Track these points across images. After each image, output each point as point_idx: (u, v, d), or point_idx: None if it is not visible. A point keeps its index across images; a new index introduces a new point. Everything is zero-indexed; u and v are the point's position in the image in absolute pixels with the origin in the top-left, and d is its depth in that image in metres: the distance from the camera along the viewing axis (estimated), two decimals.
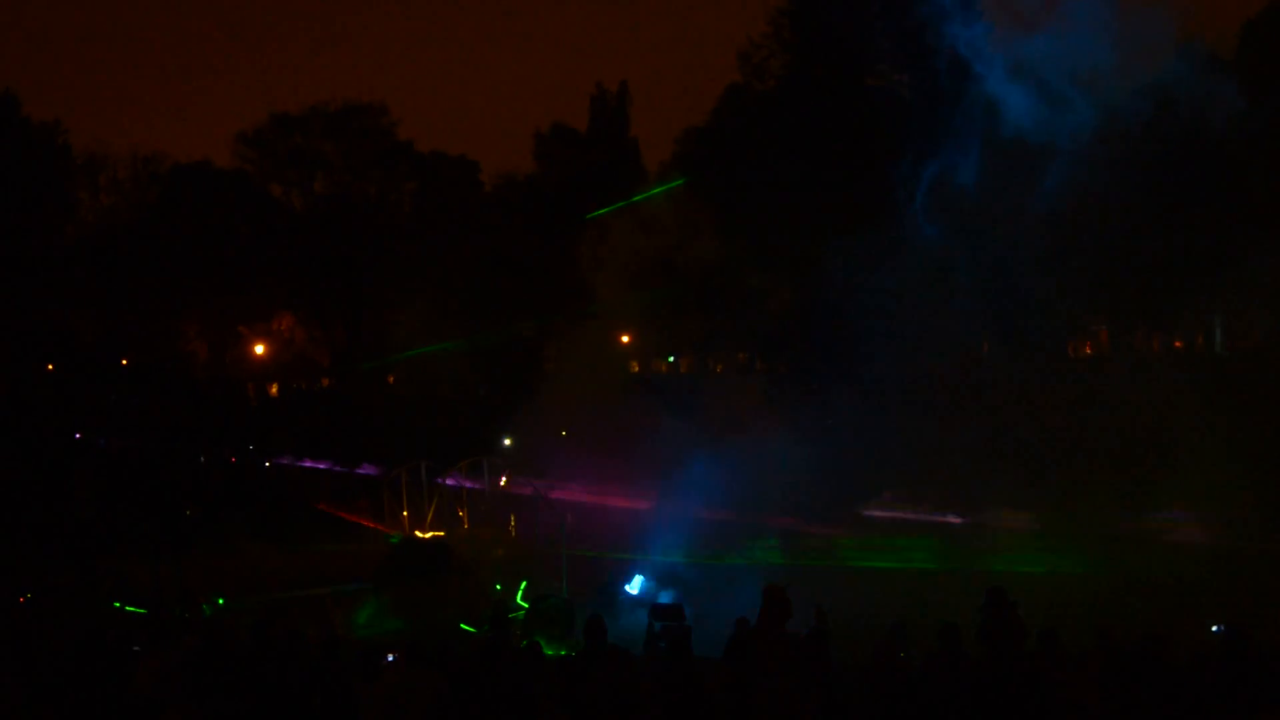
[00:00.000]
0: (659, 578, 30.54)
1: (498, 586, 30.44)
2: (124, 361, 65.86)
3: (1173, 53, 47.83)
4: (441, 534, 34.80)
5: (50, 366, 63.68)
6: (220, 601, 29.11)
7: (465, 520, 38.93)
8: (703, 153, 58.70)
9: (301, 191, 71.61)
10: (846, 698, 14.18)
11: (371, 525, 42.07)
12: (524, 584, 30.28)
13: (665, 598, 28.53)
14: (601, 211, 51.55)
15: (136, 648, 16.99)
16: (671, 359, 68.37)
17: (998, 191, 41.68)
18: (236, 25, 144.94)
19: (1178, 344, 54.42)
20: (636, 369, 63.04)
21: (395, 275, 64.58)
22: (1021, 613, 15.82)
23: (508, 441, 48.76)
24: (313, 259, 66.25)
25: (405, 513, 38.34)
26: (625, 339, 60.31)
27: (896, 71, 54.91)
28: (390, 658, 15.16)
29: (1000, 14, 42.56)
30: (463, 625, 26.90)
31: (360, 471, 50.01)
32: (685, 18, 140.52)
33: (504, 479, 41.82)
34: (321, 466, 52.42)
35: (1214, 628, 18.43)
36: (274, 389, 73.47)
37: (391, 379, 69.44)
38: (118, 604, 28.75)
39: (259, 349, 69.19)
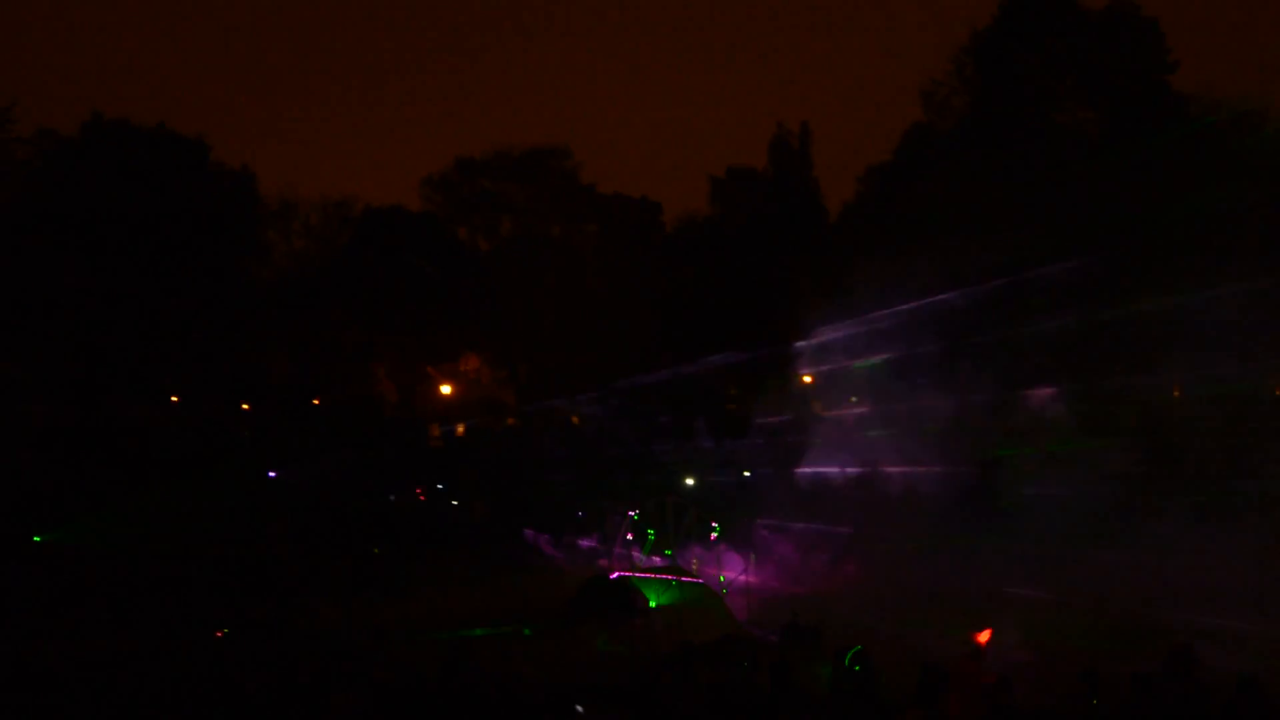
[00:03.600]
0: None
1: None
2: (316, 401, 67.32)
3: None
4: (629, 573, 34.49)
5: (245, 406, 65.42)
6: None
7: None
8: (887, 191, 58.11)
9: (487, 233, 72.74)
10: None
11: (558, 563, 42.24)
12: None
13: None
14: None
15: (329, 683, 17.14)
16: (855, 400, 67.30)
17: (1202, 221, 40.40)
18: (421, 73, 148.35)
19: None
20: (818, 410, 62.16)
21: (579, 315, 65.06)
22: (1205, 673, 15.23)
23: (690, 481, 48.57)
24: (498, 300, 67.04)
25: (588, 551, 38.30)
26: (807, 379, 59.56)
27: (1083, 108, 53.97)
28: (580, 709, 14.94)
29: (1191, 47, 41.49)
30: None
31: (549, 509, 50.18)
32: (865, 58, 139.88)
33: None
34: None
35: None
36: (460, 429, 74.35)
37: (575, 419, 69.77)
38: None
39: (445, 389, 70.09)
